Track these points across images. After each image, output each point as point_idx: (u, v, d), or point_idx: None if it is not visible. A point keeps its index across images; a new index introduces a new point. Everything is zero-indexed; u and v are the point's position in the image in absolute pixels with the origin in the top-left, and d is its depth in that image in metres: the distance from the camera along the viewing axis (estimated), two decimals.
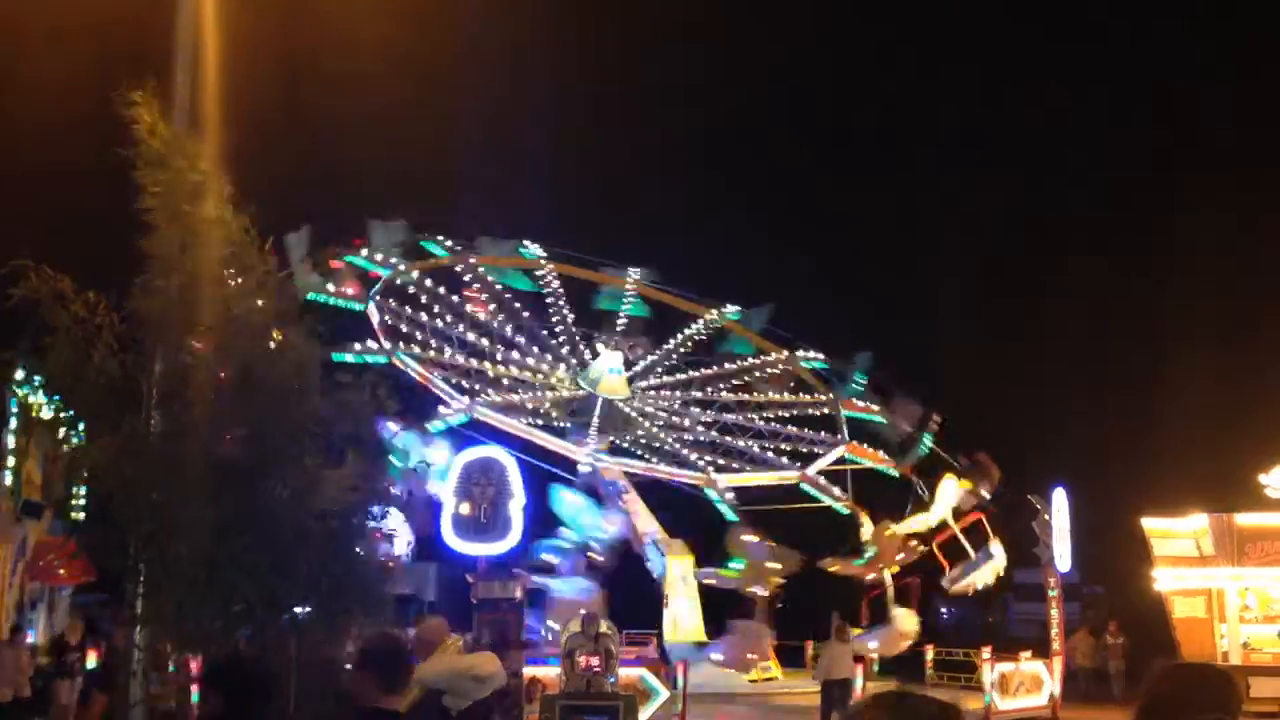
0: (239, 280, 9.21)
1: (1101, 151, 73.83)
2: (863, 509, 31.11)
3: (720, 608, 29.65)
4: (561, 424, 32.17)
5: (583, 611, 23.53)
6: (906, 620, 29.53)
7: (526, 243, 31.72)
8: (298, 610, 9.16)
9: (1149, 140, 72.19)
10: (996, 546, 29.42)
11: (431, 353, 29.84)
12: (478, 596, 21.36)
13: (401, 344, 29.10)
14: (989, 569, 29.52)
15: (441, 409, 27.95)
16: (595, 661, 20.89)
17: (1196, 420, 39.15)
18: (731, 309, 33.03)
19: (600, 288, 32.82)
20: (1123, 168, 72.46)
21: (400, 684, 5.54)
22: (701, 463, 31.75)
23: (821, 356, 33.42)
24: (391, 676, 5.43)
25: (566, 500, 27.94)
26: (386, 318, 29.15)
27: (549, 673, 21.21)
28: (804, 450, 32.69)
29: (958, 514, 29.86)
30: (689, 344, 33.18)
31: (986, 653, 24.67)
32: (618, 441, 31.95)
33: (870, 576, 30.07)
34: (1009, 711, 23.85)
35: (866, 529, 30.31)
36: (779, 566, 28.81)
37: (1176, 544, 26.93)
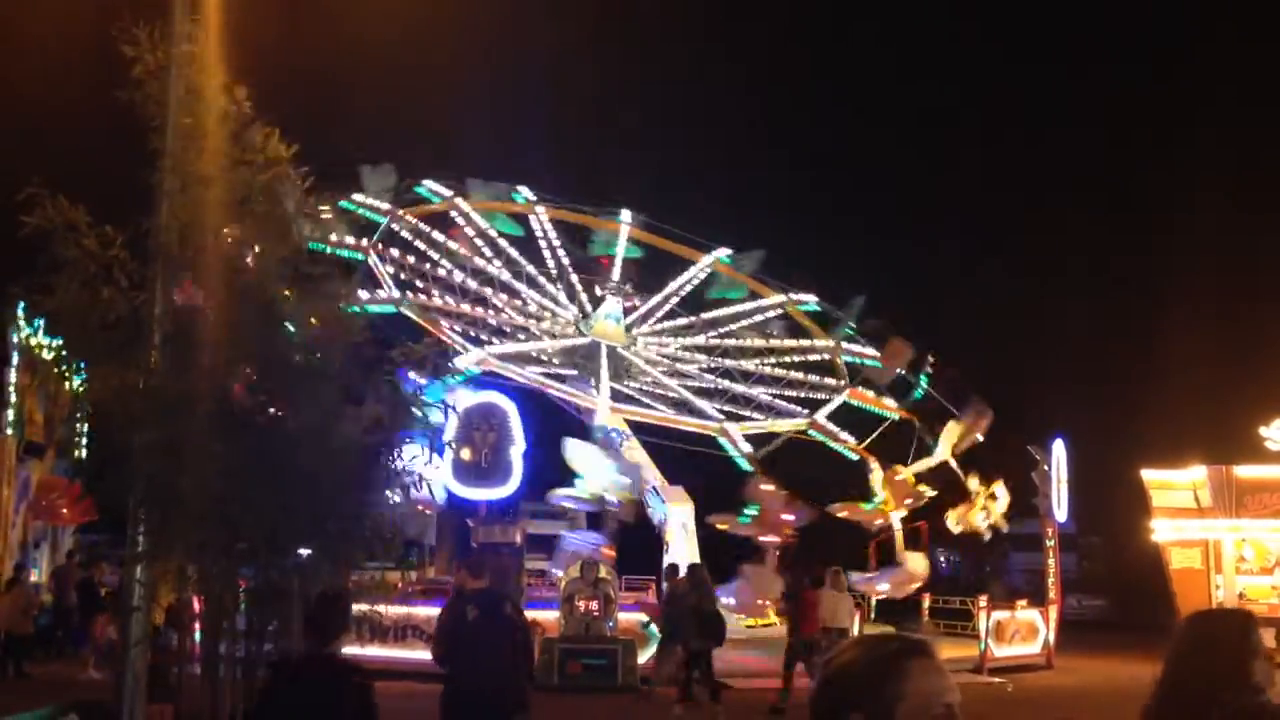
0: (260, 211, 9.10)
1: (1103, 101, 73.41)
2: (870, 455, 31.14)
3: (732, 553, 29.65)
4: (566, 371, 32.04)
5: (581, 556, 23.59)
6: (916, 562, 29.67)
7: (519, 187, 31.32)
8: (302, 552, 9.10)
9: (1151, 91, 71.70)
10: (1000, 488, 29.49)
11: (436, 301, 29.53)
12: (478, 541, 21.46)
13: (407, 293, 28.79)
14: (994, 510, 29.62)
15: (456, 360, 27.57)
16: (594, 606, 21.03)
17: (1196, 372, 39.20)
18: (723, 252, 32.70)
19: (592, 231, 32.44)
20: (1124, 121, 72.10)
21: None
22: (712, 410, 31.62)
23: (814, 299, 33.26)
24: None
25: (579, 452, 27.63)
26: (388, 267, 28.83)
27: (549, 617, 21.24)
28: (806, 396, 32.61)
29: (958, 456, 29.92)
30: (685, 288, 32.80)
31: (983, 600, 24.91)
32: (620, 388, 31.82)
33: (878, 522, 30.12)
34: (1004, 658, 24.10)
35: (876, 474, 30.36)
36: (792, 518, 28.80)
37: (1175, 495, 27.04)
